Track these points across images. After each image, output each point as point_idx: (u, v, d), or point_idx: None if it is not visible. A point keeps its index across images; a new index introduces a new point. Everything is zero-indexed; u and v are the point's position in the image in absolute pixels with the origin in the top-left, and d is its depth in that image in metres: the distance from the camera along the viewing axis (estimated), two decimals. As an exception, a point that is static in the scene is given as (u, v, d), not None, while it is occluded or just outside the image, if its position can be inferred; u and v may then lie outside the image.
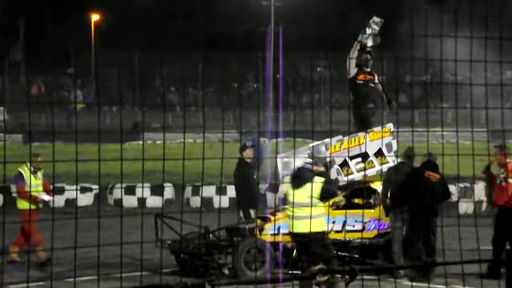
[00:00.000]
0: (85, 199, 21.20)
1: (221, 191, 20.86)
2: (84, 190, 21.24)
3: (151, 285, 3.23)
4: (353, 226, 12.79)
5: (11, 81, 44.45)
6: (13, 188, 14.79)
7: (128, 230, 4.42)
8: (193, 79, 44.42)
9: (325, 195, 10.73)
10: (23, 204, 13.62)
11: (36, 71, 43.59)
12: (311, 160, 11.42)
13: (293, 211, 10.64)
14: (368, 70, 13.65)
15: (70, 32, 41.60)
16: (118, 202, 21.14)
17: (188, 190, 21.61)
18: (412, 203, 11.99)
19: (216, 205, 20.46)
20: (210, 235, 12.80)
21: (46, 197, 13.82)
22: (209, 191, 21.23)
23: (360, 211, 12.81)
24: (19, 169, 13.80)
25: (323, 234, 10.72)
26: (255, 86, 45.69)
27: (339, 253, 12.55)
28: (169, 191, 21.58)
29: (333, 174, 13.07)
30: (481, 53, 5.87)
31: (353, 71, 13.71)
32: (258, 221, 13.02)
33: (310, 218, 9.96)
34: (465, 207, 20.34)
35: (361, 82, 13.61)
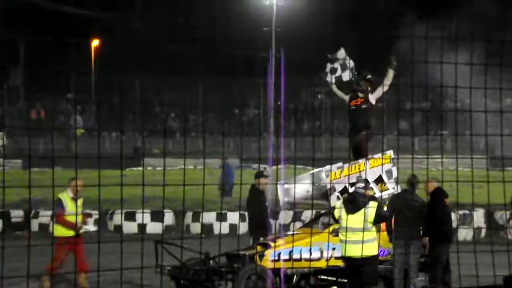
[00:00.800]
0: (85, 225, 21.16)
1: (221, 217, 20.85)
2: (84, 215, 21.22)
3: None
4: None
5: (11, 105, 44.55)
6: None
7: (128, 256, 4.42)
8: (194, 105, 44.53)
9: (378, 220, 10.91)
10: (59, 231, 13.21)
11: (35, 95, 43.72)
12: (362, 185, 11.48)
13: (346, 235, 10.74)
14: (360, 95, 13.69)
15: (70, 57, 41.78)
16: (118, 228, 21.11)
17: (189, 216, 21.59)
18: (436, 229, 12.13)
19: (216, 231, 20.43)
20: (211, 261, 12.78)
21: (87, 226, 13.57)
22: (209, 217, 21.21)
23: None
24: (59, 196, 13.44)
25: (376, 258, 10.90)
26: (256, 112, 45.79)
27: (339, 279, 12.53)
28: (169, 218, 21.56)
29: (333, 201, 13.07)
30: (482, 79, 5.91)
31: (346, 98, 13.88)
32: (259, 247, 13.00)
33: (363, 242, 10.24)
34: (464, 233, 20.31)
35: (354, 107, 13.71)
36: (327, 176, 13.15)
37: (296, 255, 12.58)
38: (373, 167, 13.06)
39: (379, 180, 13.14)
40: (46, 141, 39.33)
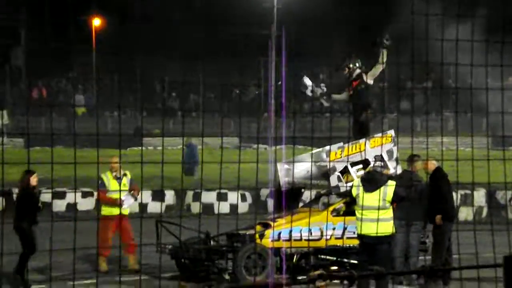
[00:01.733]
0: (86, 204, 21.21)
1: (221, 197, 20.88)
2: (85, 194, 21.26)
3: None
4: (353, 233, 12.78)
5: (12, 85, 44.47)
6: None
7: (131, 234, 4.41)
8: (194, 84, 44.45)
9: (396, 199, 10.90)
10: (105, 211, 13.33)
11: (37, 75, 43.60)
12: (381, 164, 11.45)
13: (363, 213, 10.78)
14: (354, 77, 13.66)
15: (71, 36, 41.65)
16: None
17: (189, 195, 21.62)
18: (440, 208, 12.17)
19: (217, 211, 20.48)
20: (211, 241, 12.81)
21: (131, 200, 13.50)
22: (210, 197, 21.24)
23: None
24: (102, 175, 13.51)
25: (391, 238, 10.90)
26: (256, 92, 45.71)
27: (339, 259, 12.57)
28: (169, 197, 21.59)
29: (333, 181, 13.08)
30: (489, 58, 5.87)
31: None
32: (259, 227, 13.03)
33: (377, 220, 10.31)
34: (465, 213, 20.34)
35: (351, 92, 13.68)
36: (327, 156, 13.14)
37: (296, 235, 12.61)
38: (374, 147, 13.05)
39: (380, 160, 13.12)
40: (48, 120, 39.31)
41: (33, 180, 12.49)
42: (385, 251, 10.77)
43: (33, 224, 12.18)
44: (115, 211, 13.13)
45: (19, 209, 12.46)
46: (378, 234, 10.31)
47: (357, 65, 13.71)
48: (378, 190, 10.67)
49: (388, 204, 10.71)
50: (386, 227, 10.62)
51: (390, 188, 10.71)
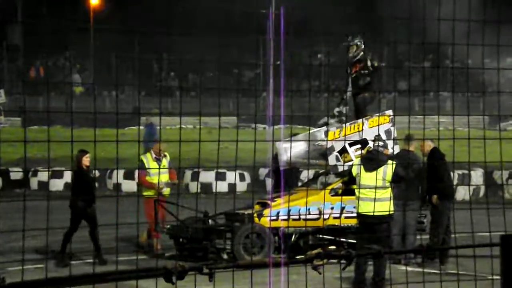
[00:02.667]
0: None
1: (219, 176, 20.90)
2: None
3: (148, 268, 3.23)
4: (351, 212, 12.82)
5: (9, 63, 44.34)
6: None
7: (127, 214, 4.44)
8: (193, 63, 44.35)
9: (396, 178, 10.90)
10: (147, 192, 13.29)
11: (34, 53, 43.46)
12: (382, 143, 11.42)
13: (363, 192, 10.75)
14: (357, 58, 13.65)
15: (69, 14, 41.50)
16: (117, 186, 21.18)
17: (187, 175, 21.64)
18: (439, 187, 12.26)
19: (215, 190, 20.50)
20: (209, 220, 12.84)
21: (169, 187, 13.46)
22: (208, 176, 21.26)
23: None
24: (142, 157, 13.44)
25: (390, 217, 10.89)
26: (256, 72, 45.64)
27: (337, 238, 12.61)
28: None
29: (332, 161, 13.09)
30: (487, 38, 5.85)
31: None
32: (257, 206, 13.06)
33: (375, 200, 10.25)
34: (462, 193, 20.39)
35: (354, 74, 13.66)
36: (326, 136, 13.14)
37: (294, 215, 12.64)
38: (372, 127, 13.05)
39: (378, 140, 13.12)
40: (45, 99, 39.25)
41: (85, 160, 12.38)
42: (384, 230, 10.78)
43: (89, 203, 12.24)
44: (154, 193, 13.07)
45: (74, 188, 12.57)
46: (377, 214, 10.31)
47: (357, 42, 13.66)
48: (378, 170, 10.67)
49: (387, 184, 10.72)
50: (385, 207, 10.61)
51: (390, 167, 10.71)
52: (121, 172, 21.23)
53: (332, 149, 13.06)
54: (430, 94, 36.52)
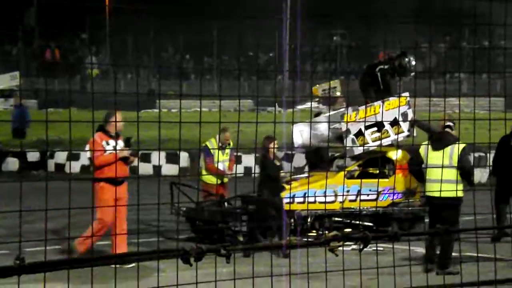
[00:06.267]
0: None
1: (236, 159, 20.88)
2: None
3: (166, 250, 3.24)
4: (367, 196, 12.81)
5: (25, 46, 44.46)
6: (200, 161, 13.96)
7: (143, 197, 4.46)
8: (209, 46, 44.30)
9: (461, 162, 10.46)
10: (206, 178, 13.11)
11: (49, 36, 43.54)
12: (451, 124, 11.20)
13: (429, 172, 10.51)
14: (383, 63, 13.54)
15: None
16: (133, 169, 21.21)
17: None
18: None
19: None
20: (225, 203, 12.87)
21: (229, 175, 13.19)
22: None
23: (374, 180, 12.82)
24: (207, 142, 13.24)
25: (459, 200, 10.48)
26: (271, 54, 45.55)
27: (353, 221, 12.61)
28: (184, 159, 21.61)
29: (348, 143, 13.07)
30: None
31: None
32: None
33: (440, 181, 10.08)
34: (479, 176, 20.31)
35: (380, 67, 13.49)
36: (342, 119, 13.11)
37: (310, 197, 12.64)
38: (389, 109, 13.00)
39: (394, 123, 13.10)
40: (62, 81, 39.34)
41: (272, 147, 11.81)
42: (450, 214, 10.36)
43: (276, 192, 11.90)
44: (215, 179, 13.06)
45: (261, 176, 12.01)
46: (443, 195, 10.00)
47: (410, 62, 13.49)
48: (445, 149, 10.42)
49: (454, 164, 10.35)
50: (452, 188, 10.17)
51: (456, 149, 10.43)
52: (162, 154, 21.17)
53: (348, 132, 13.03)
54: (447, 77, 36.32)
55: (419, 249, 11.13)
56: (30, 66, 42.89)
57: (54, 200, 4.27)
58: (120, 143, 10.81)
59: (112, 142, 10.66)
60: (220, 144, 13.05)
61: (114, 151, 10.46)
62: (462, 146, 10.51)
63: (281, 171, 11.86)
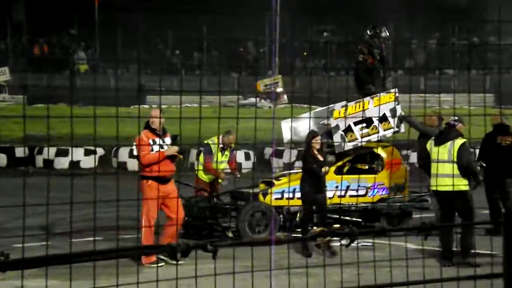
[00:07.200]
0: (89, 161, 21.25)
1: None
2: (88, 152, 21.29)
3: (153, 246, 3.23)
4: (356, 191, 12.82)
5: (13, 41, 44.24)
6: (198, 158, 13.75)
7: (132, 192, 4.43)
8: (197, 42, 44.22)
9: (460, 157, 10.41)
10: (201, 174, 13.06)
11: (38, 31, 43.32)
12: (456, 118, 11.15)
13: (434, 168, 10.50)
14: (373, 52, 13.60)
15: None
16: (122, 164, 21.21)
17: (193, 153, 21.62)
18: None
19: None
20: (215, 199, 12.85)
21: (225, 181, 13.04)
22: (213, 155, 21.23)
23: (363, 176, 12.85)
24: (209, 141, 13.04)
25: (466, 193, 10.48)
26: (261, 50, 45.50)
27: (342, 217, 12.62)
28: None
29: (337, 139, 13.07)
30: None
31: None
32: (262, 185, 13.07)
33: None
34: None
35: (371, 66, 13.59)
36: (331, 115, 13.11)
37: (299, 193, 12.64)
38: (377, 105, 13.02)
39: (383, 119, 13.12)
40: (50, 76, 39.19)
41: (316, 144, 11.49)
42: (461, 206, 10.39)
43: (319, 189, 11.61)
44: (209, 178, 12.98)
45: (304, 172, 11.77)
46: (446, 189, 10.07)
47: (384, 34, 13.57)
48: (446, 144, 10.45)
49: (454, 159, 10.36)
50: (456, 182, 10.18)
51: (456, 144, 10.43)
52: (126, 151, 21.25)
53: (337, 128, 13.04)
54: (436, 73, 36.39)
55: (409, 245, 11.16)
56: (19, 62, 42.69)
57: (44, 195, 4.25)
58: (167, 141, 10.76)
59: (158, 140, 10.61)
60: (221, 145, 12.93)
61: (160, 150, 10.45)
62: (461, 142, 10.52)
63: (324, 168, 11.52)
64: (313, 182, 11.53)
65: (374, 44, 13.58)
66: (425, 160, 11.28)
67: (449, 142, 10.47)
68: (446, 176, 10.34)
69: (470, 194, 10.62)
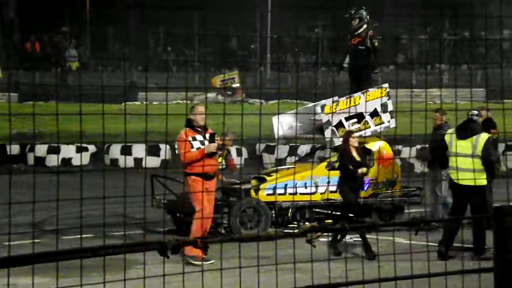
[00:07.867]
0: (82, 158, 21.21)
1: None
2: (79, 149, 21.26)
3: (143, 242, 3.23)
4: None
5: (5, 37, 44.10)
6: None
7: (129, 189, 4.44)
8: (189, 38, 44.18)
9: (485, 153, 10.38)
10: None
11: (30, 28, 43.20)
12: (476, 112, 11.06)
13: (454, 162, 10.42)
14: (358, 32, 13.65)
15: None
16: (115, 161, 21.18)
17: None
18: None
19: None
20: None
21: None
22: (205, 151, 21.22)
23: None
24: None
25: (485, 188, 10.48)
26: (252, 46, 45.50)
27: (334, 212, 12.64)
28: (165, 152, 21.59)
29: (328, 135, 13.09)
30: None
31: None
32: (254, 181, 13.07)
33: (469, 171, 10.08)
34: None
35: (352, 47, 13.68)
36: (322, 110, 13.13)
37: (291, 189, 12.65)
38: (369, 100, 13.04)
39: (374, 114, 13.14)
40: (42, 74, 39.10)
41: (353, 141, 11.24)
42: (478, 200, 10.32)
43: (355, 189, 11.39)
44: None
45: (341, 171, 11.47)
46: (466, 183, 10.02)
47: (360, 15, 13.63)
48: (470, 138, 10.37)
49: (478, 154, 10.32)
50: (477, 176, 10.15)
51: (481, 139, 10.38)
52: (117, 147, 21.22)
53: (328, 123, 13.05)
54: (428, 68, 36.45)
55: (400, 239, 11.18)
56: (11, 59, 42.57)
57: (37, 193, 4.24)
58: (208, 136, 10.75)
59: (199, 137, 10.61)
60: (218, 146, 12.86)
61: (201, 147, 10.47)
62: (486, 137, 10.49)
63: (360, 169, 11.14)
64: (350, 183, 11.24)
65: (362, 32, 13.63)
66: (439, 152, 11.22)
67: (474, 137, 10.39)
68: (468, 171, 10.29)
69: (488, 188, 10.63)
